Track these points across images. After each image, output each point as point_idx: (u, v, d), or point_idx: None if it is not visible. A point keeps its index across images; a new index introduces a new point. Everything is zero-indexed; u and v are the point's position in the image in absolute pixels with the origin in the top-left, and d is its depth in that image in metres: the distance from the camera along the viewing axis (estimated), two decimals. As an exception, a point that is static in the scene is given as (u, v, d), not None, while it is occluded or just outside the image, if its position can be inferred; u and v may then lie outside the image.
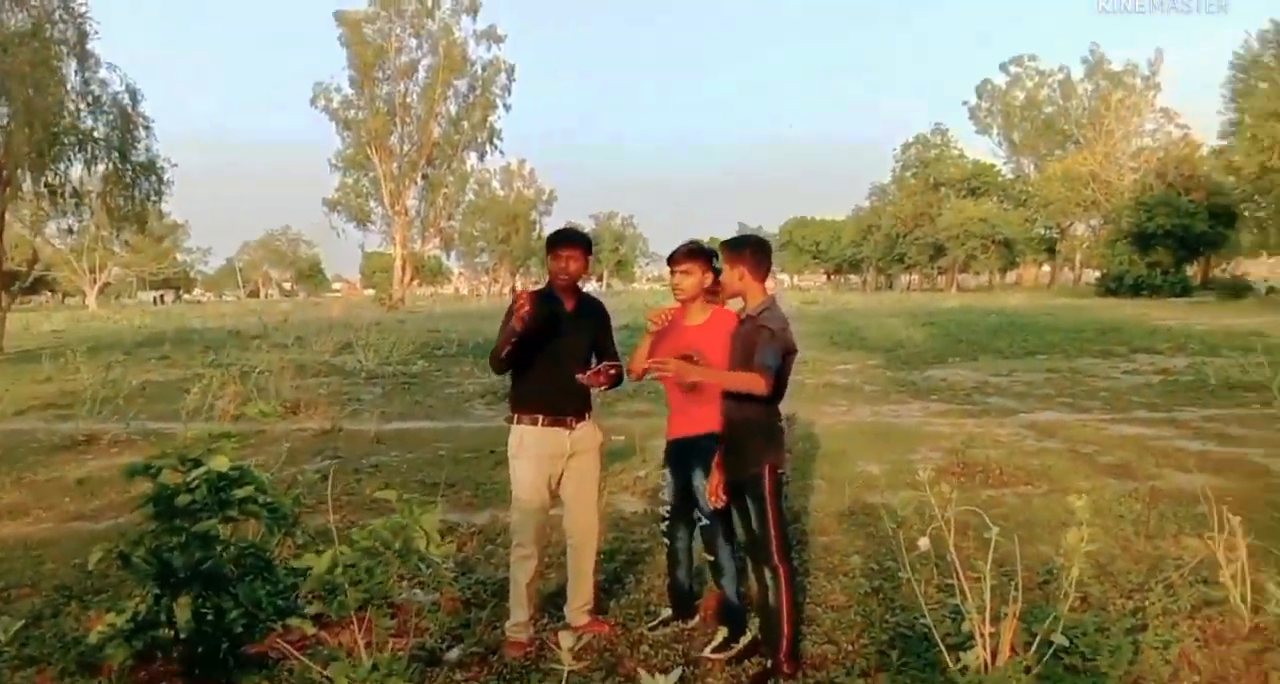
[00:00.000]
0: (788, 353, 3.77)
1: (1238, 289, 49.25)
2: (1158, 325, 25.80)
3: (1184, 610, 4.26)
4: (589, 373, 4.08)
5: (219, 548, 3.67)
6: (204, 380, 11.92)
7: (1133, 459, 8.15)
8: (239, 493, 3.61)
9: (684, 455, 4.20)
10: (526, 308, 3.83)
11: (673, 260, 4.19)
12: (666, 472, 4.34)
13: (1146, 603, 4.40)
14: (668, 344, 4.15)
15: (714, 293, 4.22)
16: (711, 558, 4.14)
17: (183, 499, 3.50)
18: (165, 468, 3.55)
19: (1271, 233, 54.35)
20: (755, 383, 3.62)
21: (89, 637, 3.52)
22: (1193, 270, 60.52)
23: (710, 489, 3.98)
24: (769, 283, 4.01)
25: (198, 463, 3.57)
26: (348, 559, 3.09)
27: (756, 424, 3.76)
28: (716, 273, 4.10)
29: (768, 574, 3.77)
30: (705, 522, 4.11)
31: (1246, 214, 55.90)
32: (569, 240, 4.28)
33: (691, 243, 4.24)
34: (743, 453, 3.79)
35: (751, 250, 3.89)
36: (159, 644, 3.53)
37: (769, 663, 3.79)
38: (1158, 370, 15.37)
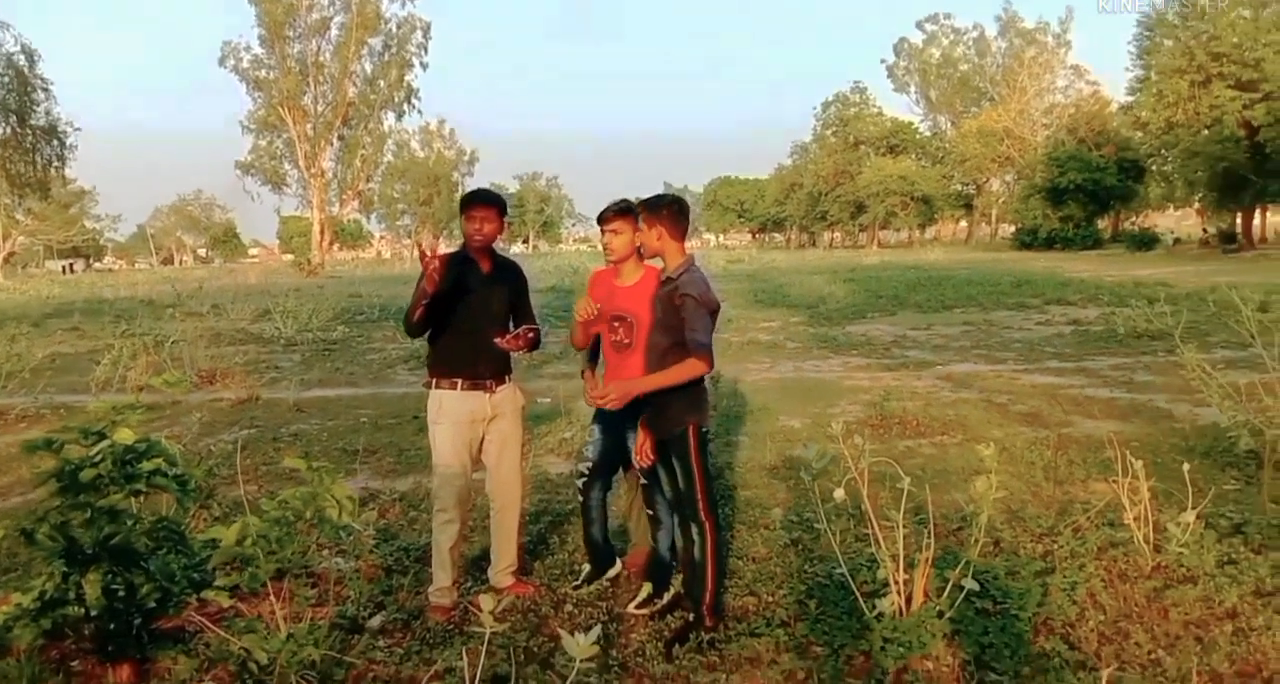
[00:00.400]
0: (714, 311, 3.77)
1: (1146, 241, 50.84)
2: (1070, 277, 26.53)
3: (1091, 552, 4.41)
4: (507, 337, 4.05)
5: (129, 522, 3.57)
6: (115, 351, 11.58)
7: (1044, 407, 8.40)
8: (146, 466, 3.50)
9: (618, 415, 4.14)
10: (435, 265, 3.77)
11: (603, 219, 4.14)
12: (596, 428, 4.34)
13: (1055, 546, 4.55)
14: (604, 307, 4.15)
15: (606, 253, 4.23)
16: (651, 512, 4.15)
17: (87, 474, 3.39)
18: (68, 442, 3.43)
19: (1178, 186, 56.00)
20: (696, 369, 3.65)
21: (-6, 617, 3.41)
22: (1103, 223, 62.30)
23: (637, 449, 3.98)
24: (690, 242, 4.00)
25: (102, 436, 3.46)
26: (259, 530, 3.03)
27: (682, 387, 3.74)
28: None
29: (694, 529, 3.80)
30: (644, 481, 4.11)
31: (1154, 168, 57.54)
32: (483, 200, 4.20)
33: (622, 201, 4.18)
34: (667, 413, 3.79)
35: (669, 210, 3.84)
36: (69, 622, 3.44)
37: (691, 616, 3.84)
38: (1069, 321, 15.84)
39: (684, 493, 3.81)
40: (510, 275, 4.35)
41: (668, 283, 3.81)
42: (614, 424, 4.24)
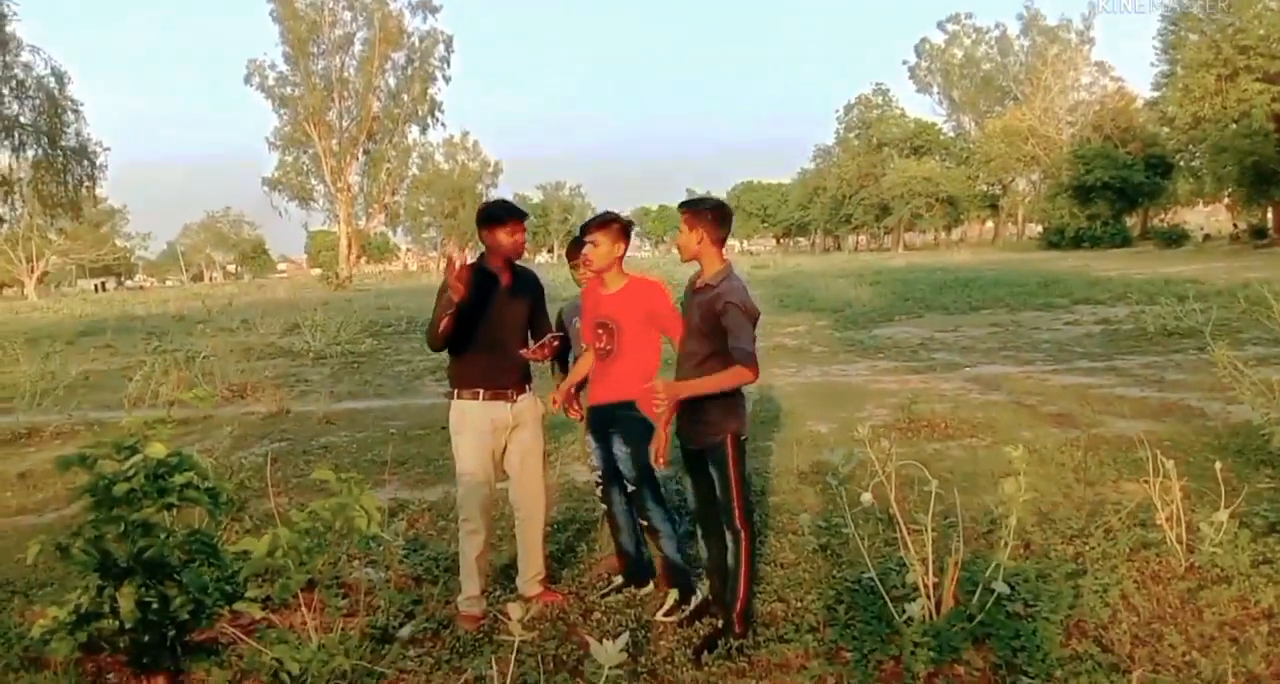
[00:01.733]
0: (754, 319, 3.72)
1: (1175, 238, 50.32)
2: (1098, 276, 26.28)
3: (1122, 553, 4.37)
4: (533, 347, 4.09)
5: (162, 535, 3.62)
6: (147, 367, 11.73)
7: (1074, 408, 8.32)
8: (178, 479, 3.55)
9: (602, 424, 4.24)
10: (463, 273, 3.79)
11: (583, 231, 4.20)
12: (589, 438, 4.37)
13: (1087, 548, 4.51)
14: (586, 315, 4.25)
15: (584, 264, 4.29)
16: (645, 522, 4.17)
17: (120, 488, 3.43)
18: (101, 457, 3.49)
19: (1206, 181, 55.30)
20: (743, 376, 3.60)
21: (31, 631, 3.46)
22: (1131, 221, 61.67)
23: (656, 452, 3.99)
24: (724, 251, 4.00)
25: (135, 450, 3.50)
26: (289, 541, 3.06)
27: (720, 396, 3.70)
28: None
29: (729, 536, 3.79)
30: (632, 488, 4.14)
31: (1181, 164, 56.89)
32: (519, 215, 4.25)
33: (604, 213, 4.25)
34: (705, 420, 3.76)
35: (713, 214, 3.79)
36: (104, 635, 3.48)
37: (720, 623, 3.83)
38: (1099, 320, 15.69)
39: (721, 500, 3.80)
40: (529, 286, 4.38)
41: (706, 289, 3.77)
42: (603, 434, 4.27)
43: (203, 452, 6.82)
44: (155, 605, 3.47)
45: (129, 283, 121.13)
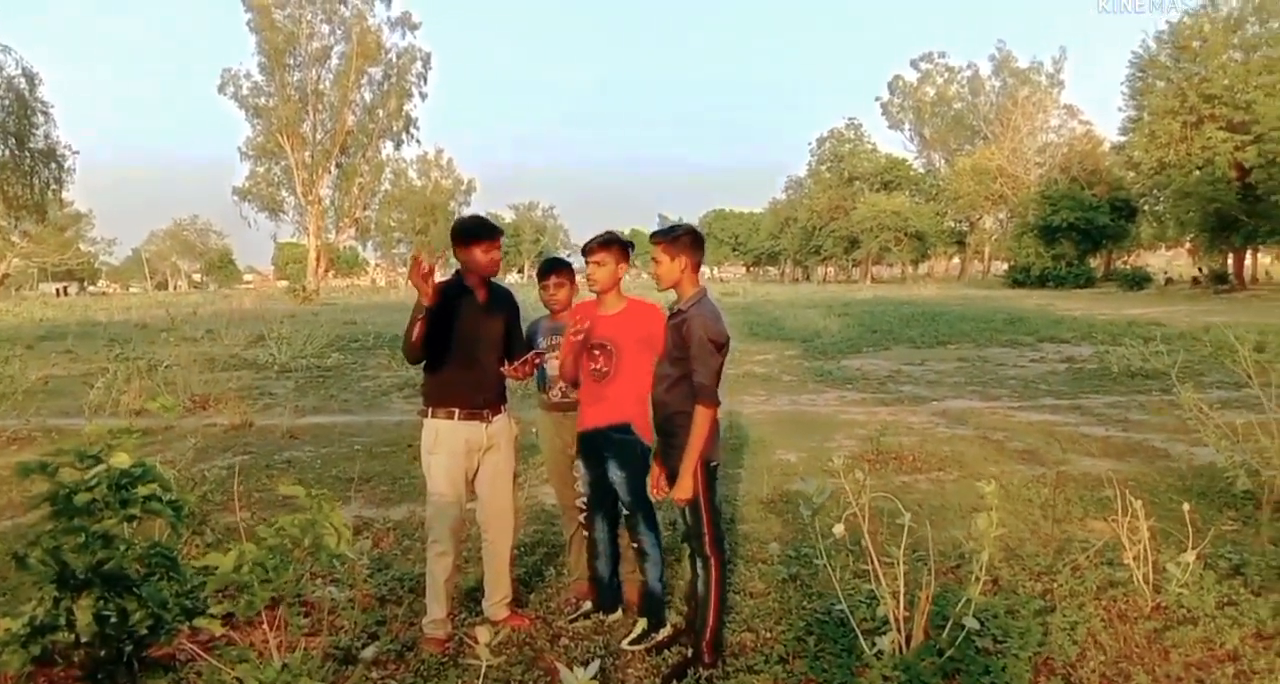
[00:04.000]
0: (722, 345, 3.73)
1: (1138, 280, 51.06)
2: (1063, 315, 26.61)
3: (1090, 591, 4.39)
4: (515, 365, 4.04)
5: (122, 547, 3.53)
6: (109, 375, 11.53)
7: (1040, 445, 8.39)
8: (141, 490, 3.47)
9: (595, 448, 4.18)
10: (429, 274, 3.75)
11: (587, 251, 4.16)
12: (579, 463, 4.31)
13: (1054, 585, 4.53)
14: (585, 337, 4.14)
15: (590, 284, 4.28)
16: (637, 545, 4.13)
17: (81, 498, 3.35)
18: (62, 465, 3.40)
19: (1169, 226, 56.28)
20: (706, 416, 3.66)
21: (-18, 643, 3.35)
22: (1095, 262, 62.56)
23: (652, 481, 3.97)
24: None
25: (97, 460, 3.43)
26: (255, 557, 3.00)
27: (689, 417, 3.70)
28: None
29: (699, 563, 3.78)
30: (627, 512, 4.10)
31: (1146, 208, 57.84)
32: (495, 232, 4.22)
33: (607, 233, 4.21)
34: (675, 445, 3.76)
35: (688, 238, 3.82)
36: (59, 649, 3.39)
37: (690, 652, 3.80)
38: (1064, 359, 15.87)
39: (691, 527, 3.79)
40: (505, 303, 4.35)
41: (677, 315, 3.79)
42: (596, 458, 4.22)
43: (165, 463, 6.69)
44: (113, 619, 3.39)
45: (92, 288, 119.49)
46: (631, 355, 4.03)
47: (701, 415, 3.65)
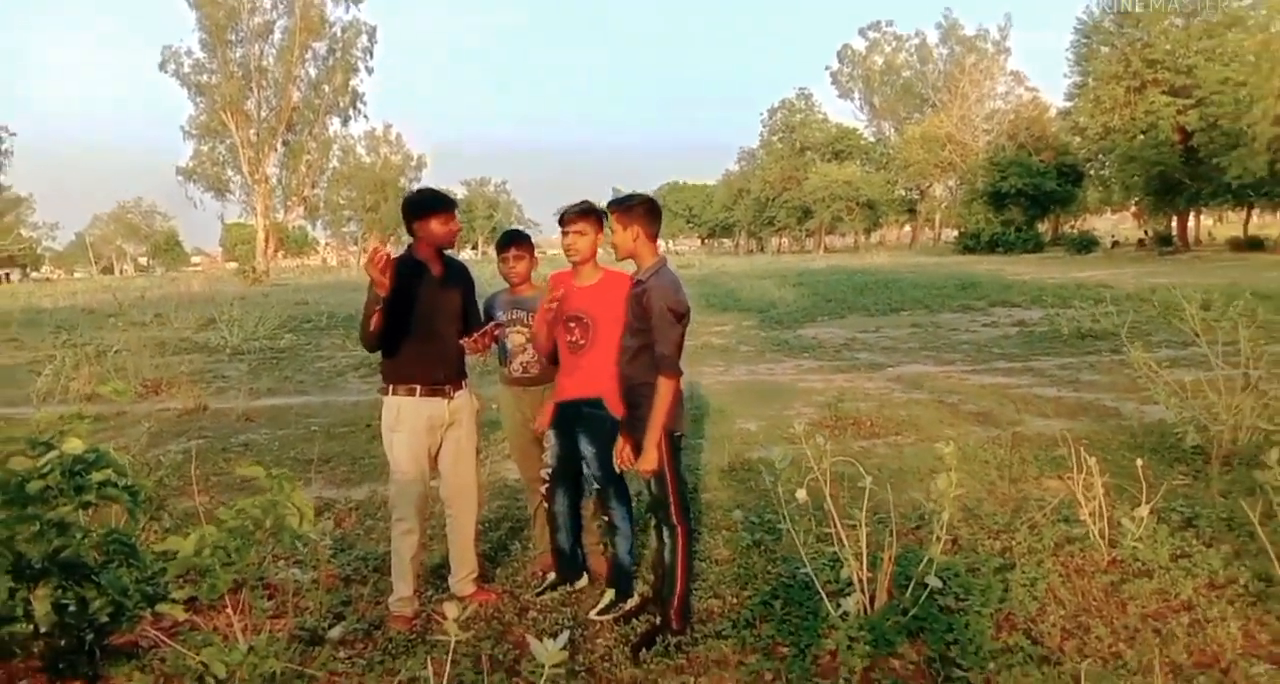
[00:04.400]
0: (682, 315, 3.71)
1: (1085, 244, 52.02)
2: (1013, 280, 26.98)
3: (1048, 548, 4.47)
4: (473, 338, 4.00)
5: (78, 535, 3.47)
6: (56, 361, 11.30)
7: (994, 407, 8.52)
8: (96, 476, 3.41)
9: (569, 421, 4.16)
10: (386, 265, 3.68)
11: (564, 220, 4.08)
12: (550, 433, 4.28)
13: (1013, 543, 4.61)
14: (559, 307, 4.10)
15: (569, 254, 4.24)
16: (607, 518, 4.13)
17: (34, 485, 3.28)
18: (13, 453, 3.33)
19: (1115, 190, 57.29)
20: (669, 387, 3.66)
21: (-63, 637, 3.29)
22: (1044, 227, 63.59)
23: (617, 452, 3.95)
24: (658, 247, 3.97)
25: (49, 446, 3.35)
26: (216, 540, 2.96)
27: (652, 388, 3.68)
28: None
29: (665, 532, 3.79)
30: (598, 486, 4.09)
31: (1092, 172, 58.83)
32: (450, 204, 4.16)
33: (584, 202, 4.15)
34: (639, 416, 3.75)
35: (643, 208, 3.78)
36: (17, 640, 3.33)
37: (658, 620, 3.81)
38: (1015, 322, 16.11)
39: (657, 497, 3.79)
40: (461, 277, 4.29)
41: (637, 285, 3.77)
42: (567, 431, 4.20)
43: (118, 449, 6.58)
44: (72, 608, 3.33)
45: (35, 275, 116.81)
46: (608, 327, 3.97)
47: (664, 386, 3.64)
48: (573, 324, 4.08)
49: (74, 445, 3.36)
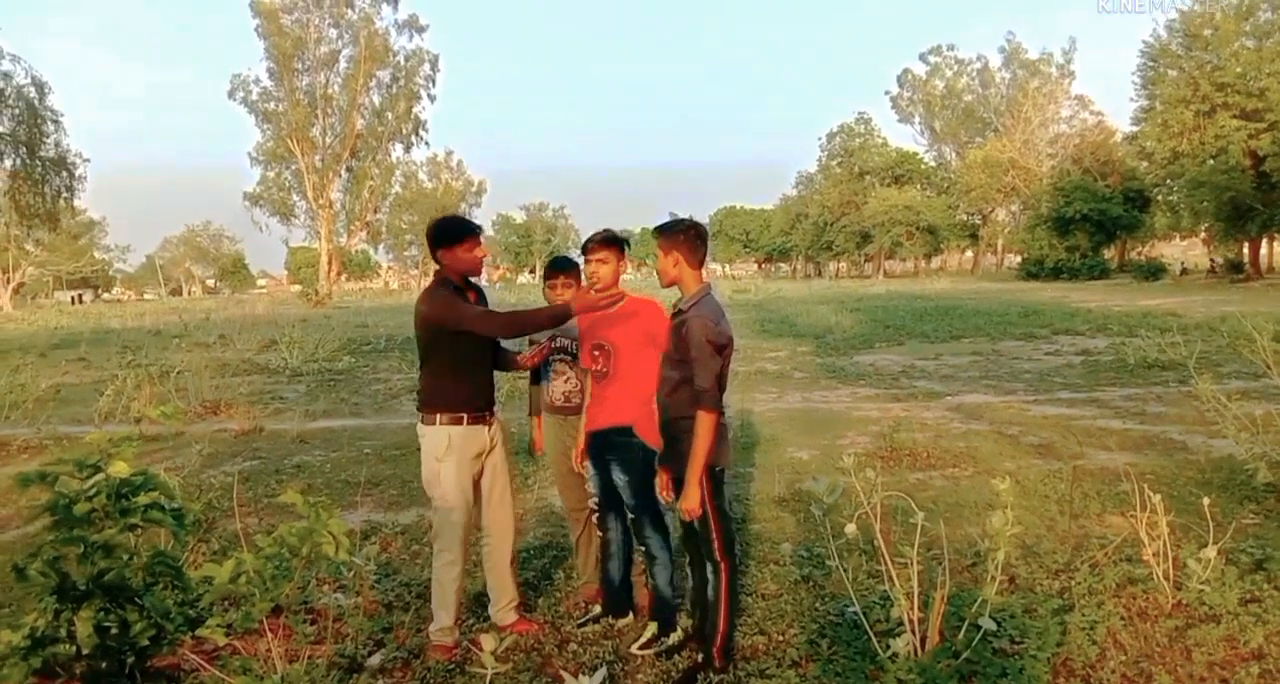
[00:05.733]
0: (723, 347, 3.62)
1: (1153, 270, 50.81)
2: (1078, 307, 26.42)
3: (1109, 589, 4.30)
4: (530, 352, 4.08)
5: (124, 557, 3.49)
6: (118, 382, 11.54)
7: (1056, 439, 8.28)
8: (142, 499, 3.42)
9: (600, 450, 4.13)
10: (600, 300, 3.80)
11: (587, 249, 4.12)
12: (588, 464, 4.25)
13: (1072, 583, 4.43)
14: (583, 337, 4.16)
15: (592, 282, 4.24)
16: (644, 549, 4.06)
17: (81, 507, 3.31)
18: (62, 475, 3.36)
19: (1183, 215, 56.02)
20: (708, 422, 3.52)
21: (-17, 656, 3.31)
22: (1110, 253, 62.26)
23: (662, 486, 3.89)
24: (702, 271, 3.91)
25: (97, 468, 3.38)
26: (254, 566, 2.94)
27: (692, 422, 3.57)
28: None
29: (709, 568, 3.70)
30: (632, 516, 4.04)
31: (1159, 198, 57.54)
32: (475, 229, 4.15)
33: (605, 231, 4.17)
34: (680, 451, 3.66)
35: (686, 235, 3.69)
36: (60, 661, 3.34)
37: (700, 657, 3.72)
38: (1079, 351, 15.72)
39: (699, 532, 3.70)
40: (484, 302, 4.29)
41: (678, 315, 3.69)
42: (600, 460, 4.17)
43: (172, 470, 6.68)
44: (114, 630, 3.34)
45: (106, 295, 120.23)
46: (630, 354, 3.96)
47: (704, 421, 3.52)
48: (596, 353, 4.06)
49: (120, 468, 3.38)
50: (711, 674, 3.58)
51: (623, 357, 3.97)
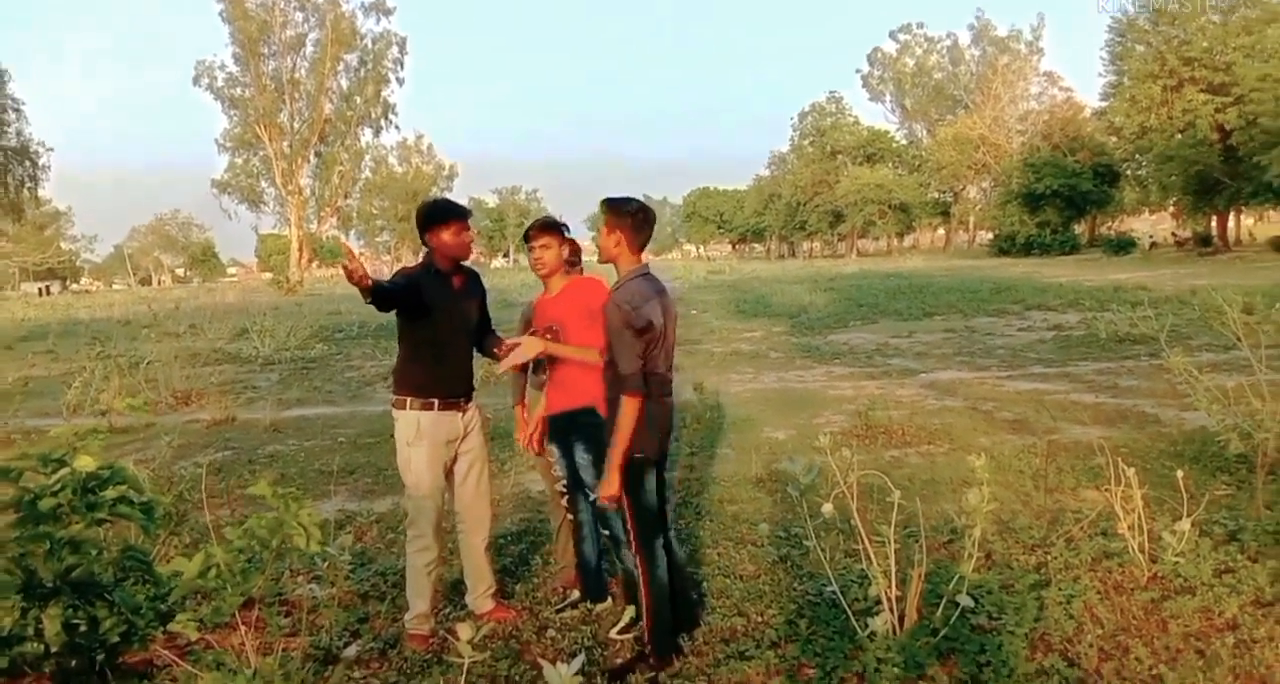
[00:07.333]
0: (643, 330, 3.47)
1: (1123, 245, 51.18)
2: (1049, 283, 26.60)
3: (1085, 563, 4.32)
4: (505, 345, 4.03)
5: (92, 553, 3.43)
6: (87, 373, 11.38)
7: (1030, 414, 8.32)
8: (109, 493, 3.36)
9: (563, 431, 4.11)
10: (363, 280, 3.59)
11: (529, 236, 4.13)
12: (553, 447, 4.23)
13: (1049, 558, 4.45)
14: (536, 322, 4.16)
15: (572, 263, 4.28)
16: (607, 532, 4.01)
17: (46, 503, 3.24)
18: (26, 470, 3.29)
19: (1152, 190, 56.42)
20: (630, 406, 3.44)
21: (-52, 656, 3.25)
22: (1080, 228, 62.66)
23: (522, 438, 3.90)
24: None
25: (63, 463, 3.31)
26: (223, 560, 2.89)
27: (617, 405, 3.51)
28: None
29: (631, 562, 3.67)
30: (594, 496, 4.00)
31: (1128, 173, 57.91)
32: (463, 213, 4.09)
33: (546, 217, 4.23)
34: (602, 439, 3.63)
35: (634, 218, 3.60)
36: (28, 660, 3.29)
37: (645, 649, 3.66)
38: (1051, 326, 15.83)
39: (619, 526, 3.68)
40: (477, 287, 4.24)
41: (610, 295, 3.63)
42: (563, 441, 4.15)
43: (142, 462, 6.59)
44: (83, 627, 3.28)
45: (74, 286, 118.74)
46: (580, 334, 3.93)
47: (626, 406, 3.43)
48: (548, 336, 4.03)
49: (86, 462, 3.31)
50: (645, 669, 3.51)
51: (571, 337, 3.95)
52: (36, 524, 3.25)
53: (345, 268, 3.57)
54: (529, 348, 3.82)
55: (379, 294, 3.68)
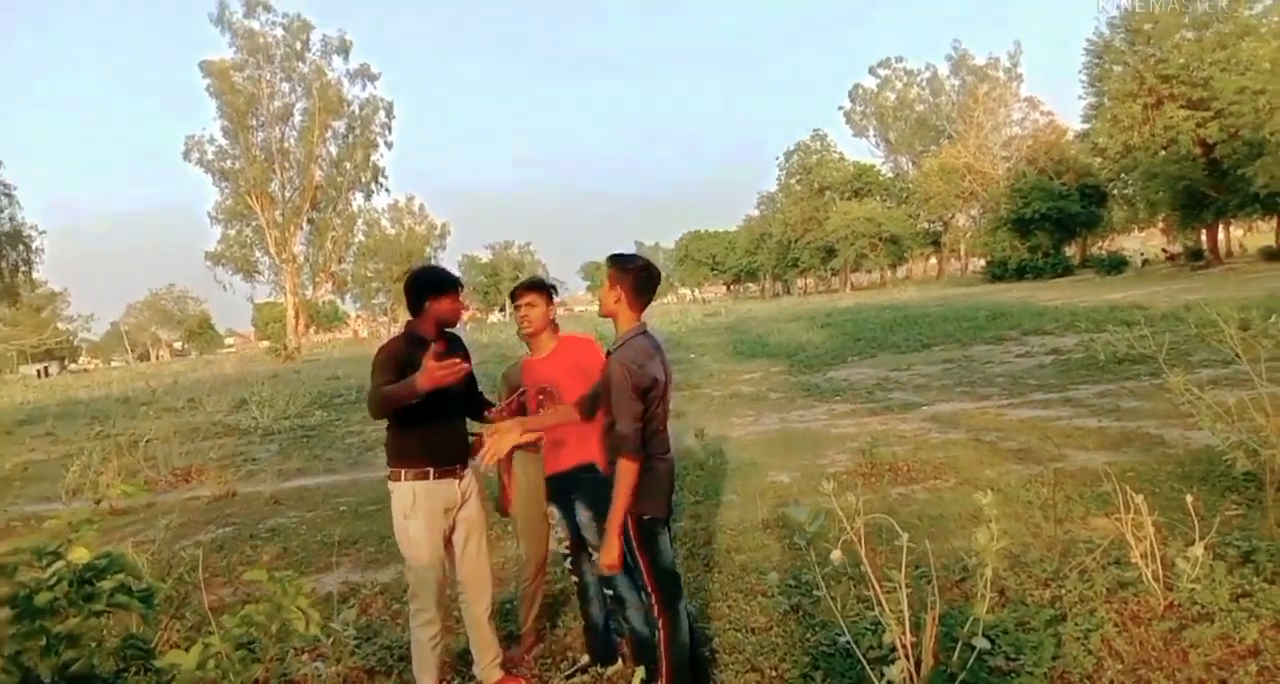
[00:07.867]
0: (648, 389, 3.44)
1: (1115, 264, 51.37)
2: (1045, 306, 26.60)
3: (1100, 595, 4.25)
4: (501, 405, 4.07)
5: (91, 645, 3.36)
6: (85, 456, 11.33)
7: (1034, 442, 8.26)
8: (106, 584, 3.30)
9: (564, 490, 4.08)
10: (446, 375, 3.53)
11: (515, 295, 4.18)
12: (554, 508, 4.19)
13: (1063, 591, 4.38)
14: (527, 382, 4.18)
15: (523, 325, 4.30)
16: (610, 592, 3.95)
17: (42, 598, 3.19)
18: (20, 564, 3.24)
19: (1140, 208, 56.75)
20: (627, 469, 3.37)
21: (-55, 762, 3.17)
22: (1071, 250, 62.96)
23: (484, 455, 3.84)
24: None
25: (57, 555, 3.26)
26: (221, 650, 2.84)
27: (628, 481, 3.41)
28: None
29: (655, 619, 3.60)
30: (596, 555, 3.95)
31: (1115, 192, 58.39)
32: (458, 285, 4.09)
33: (533, 277, 4.31)
34: (608, 496, 3.50)
35: (636, 275, 3.57)
36: (27, 760, 3.21)
37: None
38: (1049, 351, 15.79)
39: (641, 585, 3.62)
40: (461, 350, 4.20)
41: (609, 356, 3.56)
42: (564, 501, 4.12)
43: (141, 544, 6.51)
44: (82, 724, 3.21)
45: (72, 366, 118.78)
46: (573, 396, 3.89)
47: (623, 470, 3.36)
48: (542, 397, 4.03)
49: (80, 554, 3.25)
50: None
51: (567, 398, 3.92)
52: (32, 620, 3.19)
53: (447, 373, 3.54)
54: (504, 440, 3.63)
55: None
